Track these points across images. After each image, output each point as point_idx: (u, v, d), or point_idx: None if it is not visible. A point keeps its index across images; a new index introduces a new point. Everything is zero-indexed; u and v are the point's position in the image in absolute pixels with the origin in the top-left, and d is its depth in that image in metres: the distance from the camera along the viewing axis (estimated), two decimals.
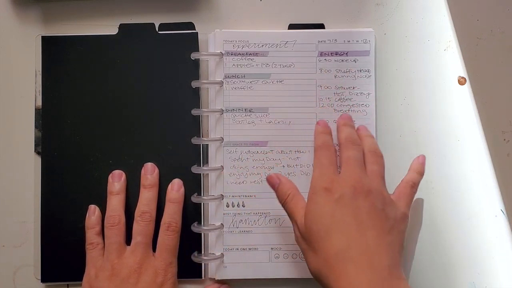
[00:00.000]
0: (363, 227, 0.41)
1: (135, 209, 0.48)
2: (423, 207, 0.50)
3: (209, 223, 0.50)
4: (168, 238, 0.47)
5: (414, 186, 0.47)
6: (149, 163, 0.50)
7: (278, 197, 0.47)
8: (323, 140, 0.48)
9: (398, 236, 0.43)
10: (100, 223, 0.49)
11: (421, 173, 0.48)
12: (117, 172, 0.49)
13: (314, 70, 0.50)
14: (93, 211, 0.49)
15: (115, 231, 0.47)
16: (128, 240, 0.48)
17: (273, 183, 0.47)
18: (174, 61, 0.50)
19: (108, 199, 0.49)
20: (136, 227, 0.47)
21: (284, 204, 0.46)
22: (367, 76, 0.50)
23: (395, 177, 0.50)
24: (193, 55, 0.50)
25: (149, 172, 0.49)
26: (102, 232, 0.48)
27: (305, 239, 0.43)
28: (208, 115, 0.50)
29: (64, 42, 0.50)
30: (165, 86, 0.50)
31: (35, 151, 0.50)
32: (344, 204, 0.42)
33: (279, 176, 0.47)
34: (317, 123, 0.50)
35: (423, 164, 0.48)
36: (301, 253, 0.48)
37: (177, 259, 0.48)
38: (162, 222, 0.48)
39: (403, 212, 0.44)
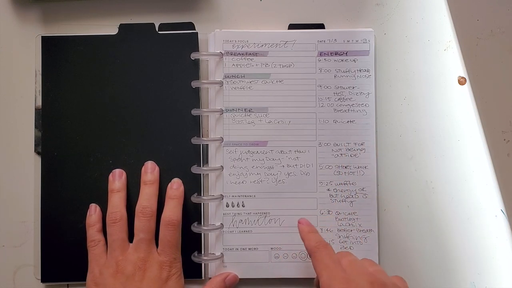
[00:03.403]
0: None
1: (135, 208, 0.48)
2: (423, 207, 0.50)
3: (209, 223, 0.50)
4: (170, 233, 0.47)
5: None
6: (150, 161, 0.50)
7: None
8: (316, 239, 0.45)
9: None
10: (101, 221, 0.49)
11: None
12: (117, 170, 0.49)
13: (313, 70, 0.50)
14: (94, 209, 0.49)
15: (117, 228, 0.47)
16: (130, 238, 0.48)
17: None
18: (174, 61, 0.50)
19: (109, 196, 0.49)
20: (137, 223, 0.47)
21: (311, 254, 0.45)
22: (367, 76, 0.50)
23: (394, 177, 0.51)
24: (193, 55, 0.50)
25: (150, 170, 0.49)
26: (103, 230, 0.49)
27: None
28: (208, 115, 0.50)
29: (64, 42, 0.50)
30: (165, 86, 0.50)
31: (35, 151, 0.50)
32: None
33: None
34: (299, 222, 0.47)
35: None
36: (301, 253, 0.48)
37: (180, 253, 0.48)
38: (162, 218, 0.48)
39: None
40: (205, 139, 0.50)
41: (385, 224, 0.50)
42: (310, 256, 0.44)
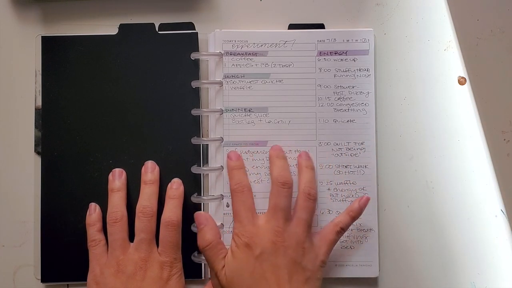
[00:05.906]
0: (281, 282, 0.43)
1: (135, 207, 0.48)
2: (423, 207, 0.50)
3: None
4: (170, 234, 0.47)
5: (341, 231, 0.47)
6: (150, 161, 0.50)
7: (199, 240, 0.47)
8: (237, 179, 0.48)
9: (315, 284, 0.45)
10: (101, 221, 0.49)
11: (354, 218, 0.47)
12: (117, 170, 0.49)
13: (313, 69, 0.50)
14: (94, 209, 0.49)
15: (118, 227, 0.47)
16: (131, 238, 0.48)
17: (199, 223, 0.48)
18: (174, 61, 0.50)
19: (109, 196, 0.49)
20: (138, 223, 0.47)
21: (203, 251, 0.47)
22: (367, 75, 0.50)
23: (394, 176, 0.51)
24: (193, 55, 0.50)
25: (150, 170, 0.49)
26: (103, 230, 0.49)
27: None
28: (208, 115, 0.51)
29: (64, 42, 0.50)
30: (165, 86, 0.50)
31: (35, 151, 0.50)
32: (263, 260, 0.44)
33: (208, 219, 0.48)
34: (228, 155, 0.49)
35: (361, 209, 0.48)
36: None
37: (181, 253, 0.48)
38: (162, 218, 0.48)
39: (322, 261, 0.46)
40: (205, 139, 0.50)
41: (385, 224, 0.50)
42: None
